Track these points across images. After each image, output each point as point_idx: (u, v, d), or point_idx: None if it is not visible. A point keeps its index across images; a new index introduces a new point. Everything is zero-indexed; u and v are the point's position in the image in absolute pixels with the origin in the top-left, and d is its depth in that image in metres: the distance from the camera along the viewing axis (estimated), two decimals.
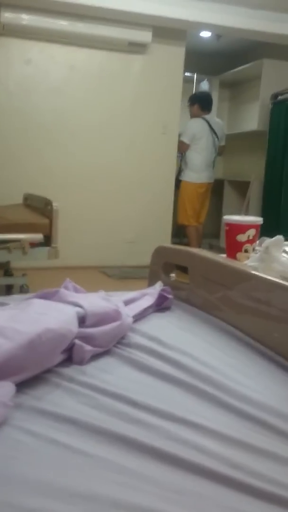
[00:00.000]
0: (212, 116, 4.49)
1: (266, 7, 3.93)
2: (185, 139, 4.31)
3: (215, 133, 4.34)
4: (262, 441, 0.78)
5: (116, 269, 4.28)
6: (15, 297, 1.47)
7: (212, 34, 4.64)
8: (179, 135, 4.44)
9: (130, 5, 3.78)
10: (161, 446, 0.74)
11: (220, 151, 4.60)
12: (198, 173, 4.32)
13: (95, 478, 0.67)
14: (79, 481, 0.66)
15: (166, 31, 4.21)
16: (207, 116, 4.35)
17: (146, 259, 1.78)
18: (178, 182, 4.52)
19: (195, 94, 4.69)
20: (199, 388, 0.94)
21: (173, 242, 4.79)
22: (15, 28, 3.88)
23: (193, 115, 4.39)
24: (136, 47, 4.21)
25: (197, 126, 4.29)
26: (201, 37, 4.75)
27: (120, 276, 4.08)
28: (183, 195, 4.41)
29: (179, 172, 4.51)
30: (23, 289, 3.01)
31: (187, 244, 4.37)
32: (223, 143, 4.57)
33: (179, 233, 4.95)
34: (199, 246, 4.39)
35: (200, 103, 4.35)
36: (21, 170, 4.08)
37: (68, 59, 4.14)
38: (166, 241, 4.48)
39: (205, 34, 4.66)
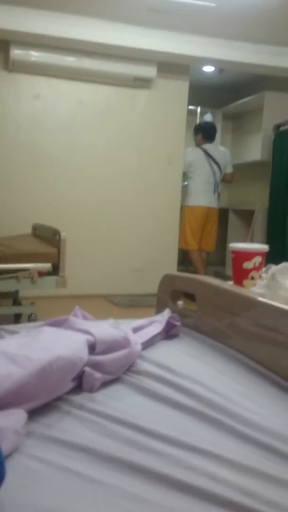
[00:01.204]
0: (215, 145, 4.58)
1: (267, 41, 4.04)
2: (183, 168, 4.55)
3: (214, 160, 4.45)
4: (273, 468, 0.78)
5: (123, 297, 4.29)
6: (25, 325, 1.49)
7: (215, 68, 4.77)
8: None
9: (135, 42, 3.91)
10: (171, 473, 0.74)
11: (228, 178, 4.68)
12: (193, 196, 4.47)
13: (105, 505, 0.67)
14: (89, 508, 0.66)
15: (170, 66, 4.33)
16: (206, 145, 4.47)
17: (153, 287, 1.79)
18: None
19: (199, 124, 4.81)
20: (208, 415, 0.94)
21: (179, 270, 4.80)
22: (25, 64, 4.01)
23: (197, 144, 4.54)
24: (141, 82, 4.33)
25: (192, 155, 4.50)
26: (204, 71, 4.88)
27: (127, 304, 4.08)
28: (182, 220, 4.55)
29: None
30: (31, 318, 3.02)
31: (194, 272, 4.38)
32: (229, 170, 4.66)
33: (185, 260, 4.97)
34: (204, 274, 4.40)
35: (203, 133, 4.51)
36: (30, 202, 4.14)
37: (75, 94, 4.26)
38: (172, 269, 4.50)
39: (208, 68, 4.79)
